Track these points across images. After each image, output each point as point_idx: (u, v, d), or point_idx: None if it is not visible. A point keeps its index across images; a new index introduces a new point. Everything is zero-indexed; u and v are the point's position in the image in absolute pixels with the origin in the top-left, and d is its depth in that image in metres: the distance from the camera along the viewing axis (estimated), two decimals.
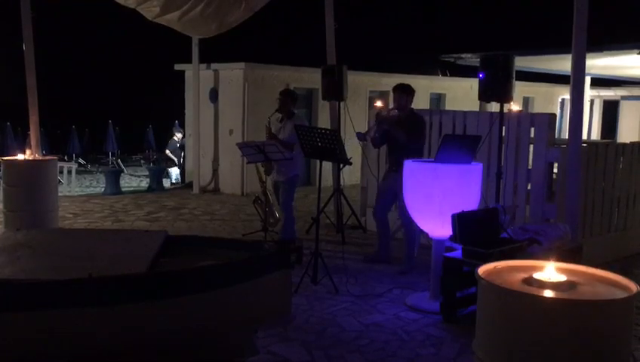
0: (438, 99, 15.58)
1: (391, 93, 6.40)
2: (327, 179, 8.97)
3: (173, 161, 14.73)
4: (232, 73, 12.04)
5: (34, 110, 8.09)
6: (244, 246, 4.21)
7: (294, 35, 24.13)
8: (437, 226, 5.06)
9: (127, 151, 20.10)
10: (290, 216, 6.63)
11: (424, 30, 26.53)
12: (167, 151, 15.06)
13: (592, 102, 18.16)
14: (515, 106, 6.57)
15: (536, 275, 2.65)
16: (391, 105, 6.35)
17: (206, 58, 12.29)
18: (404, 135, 5.92)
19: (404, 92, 6.11)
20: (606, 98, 19.46)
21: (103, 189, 12.45)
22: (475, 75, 6.84)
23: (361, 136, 6.32)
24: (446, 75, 16.55)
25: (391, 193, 6.27)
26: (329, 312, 4.97)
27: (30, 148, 7.99)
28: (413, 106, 6.27)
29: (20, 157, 7.72)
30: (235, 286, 3.52)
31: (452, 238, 4.73)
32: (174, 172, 14.55)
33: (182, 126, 15.01)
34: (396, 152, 6.13)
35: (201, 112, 12.28)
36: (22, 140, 15.34)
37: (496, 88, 5.87)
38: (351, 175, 10.01)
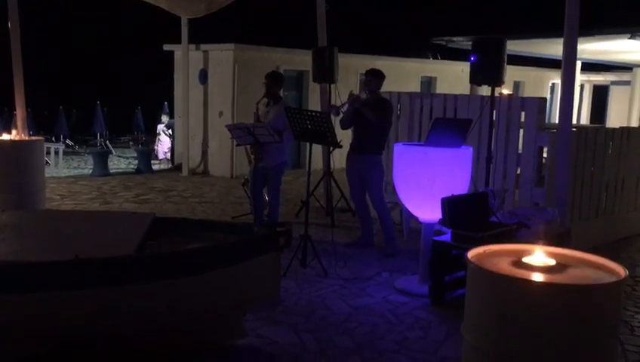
0: (428, 82, 15.54)
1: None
2: (317, 162, 8.94)
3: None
4: (222, 54, 11.93)
5: (20, 90, 7.97)
6: (234, 229, 4.20)
7: (285, 17, 23.91)
8: (426, 210, 5.06)
9: (116, 132, 19.91)
10: (278, 202, 6.58)
11: (415, 12, 26.38)
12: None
13: (582, 87, 18.20)
14: (505, 90, 6.56)
15: (525, 259, 2.66)
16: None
17: (195, 39, 12.16)
18: (374, 114, 5.97)
19: (376, 76, 6.18)
20: (596, 83, 19.51)
21: (90, 171, 12.35)
22: (467, 59, 6.82)
23: (334, 112, 6.29)
24: (437, 58, 16.49)
25: (356, 175, 6.27)
26: (318, 295, 4.98)
27: (16, 128, 7.89)
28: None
29: (6, 137, 7.61)
30: (223, 269, 3.50)
31: (441, 222, 4.73)
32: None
33: (170, 108, 14.82)
34: (362, 134, 6.18)
35: (190, 94, 12.17)
36: (8, 120, 15.15)
37: (487, 72, 5.86)
38: (341, 158, 9.94)
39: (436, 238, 4.90)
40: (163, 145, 14.63)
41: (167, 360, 3.71)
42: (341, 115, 6.34)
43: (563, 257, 2.74)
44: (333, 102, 6.51)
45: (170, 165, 13.69)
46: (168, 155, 14.30)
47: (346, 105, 6.18)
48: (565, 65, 5.64)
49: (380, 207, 6.22)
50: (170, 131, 14.32)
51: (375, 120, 5.97)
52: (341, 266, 5.73)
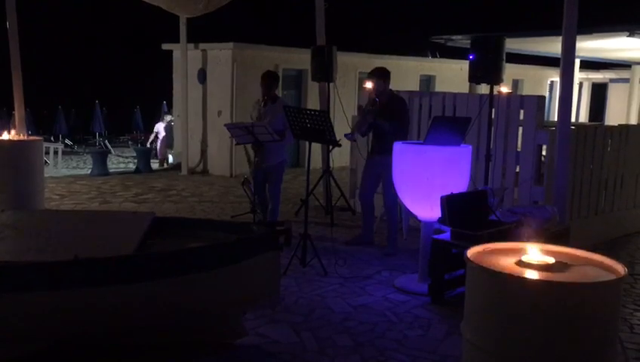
0: (427, 80, 15.55)
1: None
2: (317, 161, 8.95)
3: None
4: (221, 53, 11.92)
5: (19, 89, 7.97)
6: (233, 228, 4.19)
7: (284, 16, 23.90)
8: (426, 208, 5.06)
9: (115, 132, 19.91)
10: (279, 201, 6.58)
11: (414, 11, 26.37)
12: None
13: (580, 84, 18.21)
14: (504, 88, 6.56)
15: (525, 257, 2.66)
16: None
17: (194, 38, 12.16)
18: (389, 124, 5.91)
19: (381, 77, 6.05)
20: (595, 81, 19.51)
21: (89, 170, 12.35)
22: (466, 57, 6.81)
23: (349, 137, 6.27)
24: (436, 57, 16.49)
25: (374, 175, 6.26)
26: (318, 294, 4.98)
27: (15, 128, 7.88)
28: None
29: (5, 137, 7.61)
30: (223, 268, 3.50)
31: (441, 220, 4.73)
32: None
33: (169, 107, 14.79)
34: (381, 137, 6.10)
35: (189, 93, 12.17)
36: (7, 120, 15.16)
37: (486, 70, 5.86)
38: (340, 157, 9.97)
39: (435, 237, 4.90)
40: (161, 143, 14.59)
41: (166, 358, 3.71)
42: (357, 136, 6.30)
43: (562, 255, 2.74)
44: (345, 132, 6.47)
45: (165, 164, 13.64)
46: (162, 151, 14.18)
47: (362, 124, 6.12)
48: (564, 63, 5.64)
49: (392, 205, 6.19)
50: (168, 121, 14.23)
51: (390, 128, 5.90)
52: (341, 265, 5.73)
